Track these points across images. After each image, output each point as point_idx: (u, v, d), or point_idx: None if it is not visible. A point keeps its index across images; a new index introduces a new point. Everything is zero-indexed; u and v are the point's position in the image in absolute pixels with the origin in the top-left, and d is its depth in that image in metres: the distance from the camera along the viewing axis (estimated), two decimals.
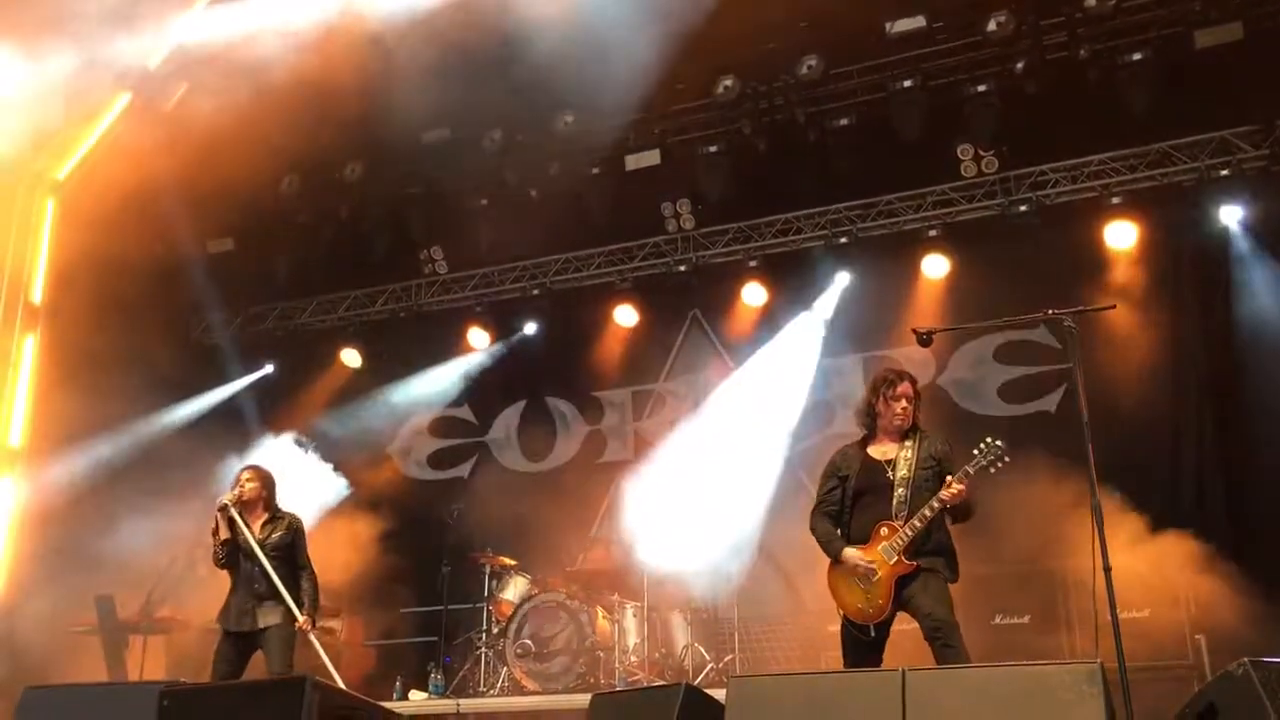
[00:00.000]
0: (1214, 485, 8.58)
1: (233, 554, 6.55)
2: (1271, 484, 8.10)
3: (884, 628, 5.27)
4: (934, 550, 5.27)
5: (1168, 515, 7.90)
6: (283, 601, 6.41)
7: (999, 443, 5.22)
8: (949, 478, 5.20)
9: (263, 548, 6.51)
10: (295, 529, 6.70)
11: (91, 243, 9.03)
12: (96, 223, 9.01)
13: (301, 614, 6.41)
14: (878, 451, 5.50)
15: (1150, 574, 7.40)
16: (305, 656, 6.63)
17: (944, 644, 4.99)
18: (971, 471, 5.20)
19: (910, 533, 5.18)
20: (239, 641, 6.44)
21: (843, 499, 5.49)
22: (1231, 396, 8.55)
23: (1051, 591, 7.85)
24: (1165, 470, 8.67)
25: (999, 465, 5.24)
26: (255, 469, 6.87)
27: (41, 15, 8.77)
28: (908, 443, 5.44)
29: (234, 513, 6.50)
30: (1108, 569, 4.89)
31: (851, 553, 5.30)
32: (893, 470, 5.38)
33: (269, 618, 6.42)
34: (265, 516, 6.70)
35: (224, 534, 6.52)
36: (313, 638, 6.50)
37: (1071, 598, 7.72)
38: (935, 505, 5.18)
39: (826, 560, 5.45)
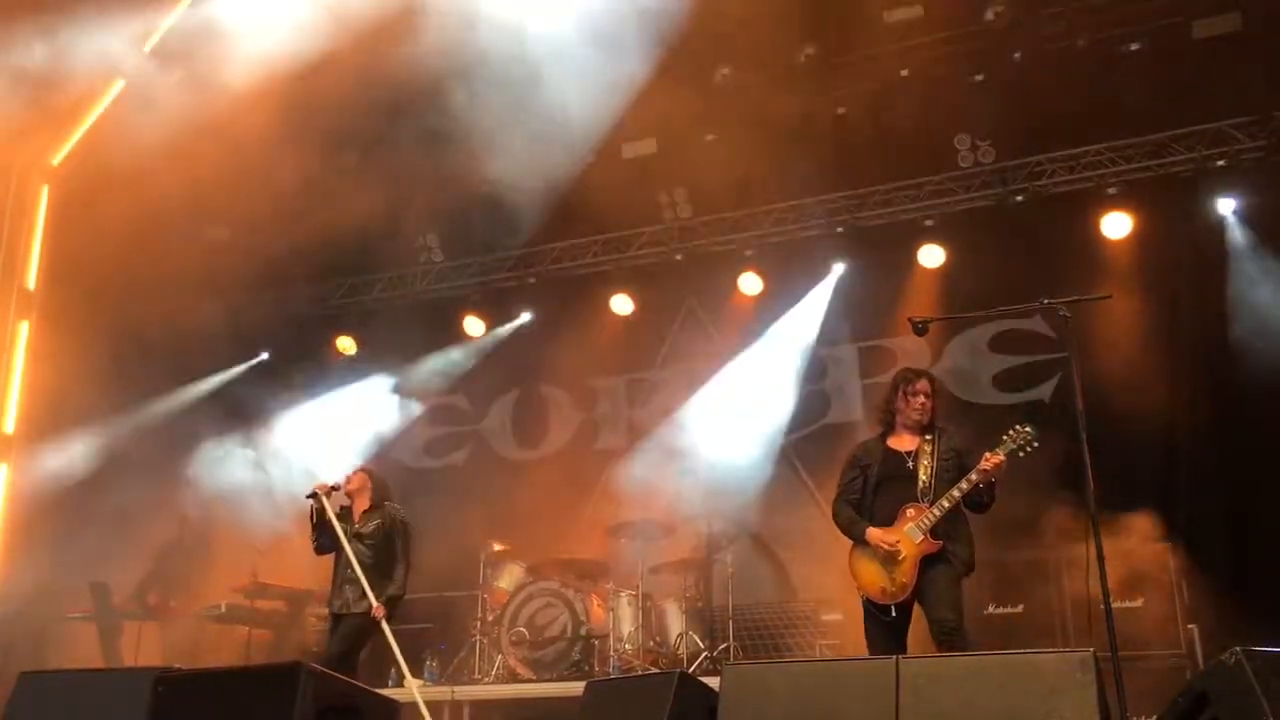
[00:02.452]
0: (1208, 475, 8.58)
1: (323, 541, 6.99)
2: (1266, 474, 8.10)
3: (905, 609, 5.33)
4: (956, 535, 5.36)
5: (1162, 504, 7.90)
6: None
7: (1029, 428, 5.29)
8: (988, 453, 5.26)
9: (358, 537, 6.95)
10: (394, 521, 7.10)
11: (86, 229, 9.00)
12: (91, 209, 8.97)
13: (377, 601, 6.74)
14: (898, 444, 5.61)
15: (1143, 564, 7.42)
16: (376, 645, 7.14)
17: (949, 648, 5.07)
18: (1003, 453, 5.26)
19: (938, 512, 5.28)
20: (334, 623, 6.98)
21: (864, 487, 5.58)
22: (1227, 386, 8.55)
23: (1045, 581, 7.87)
24: (1160, 459, 8.67)
25: (1028, 450, 5.30)
26: (363, 469, 7.42)
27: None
28: (928, 436, 5.54)
29: (323, 500, 6.89)
30: (1102, 558, 4.91)
31: (876, 533, 5.38)
32: (914, 461, 5.48)
33: (355, 604, 6.83)
34: (368, 507, 7.18)
35: (318, 519, 6.93)
36: (385, 625, 6.81)
37: (1065, 587, 7.74)
38: (973, 479, 5.26)
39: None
